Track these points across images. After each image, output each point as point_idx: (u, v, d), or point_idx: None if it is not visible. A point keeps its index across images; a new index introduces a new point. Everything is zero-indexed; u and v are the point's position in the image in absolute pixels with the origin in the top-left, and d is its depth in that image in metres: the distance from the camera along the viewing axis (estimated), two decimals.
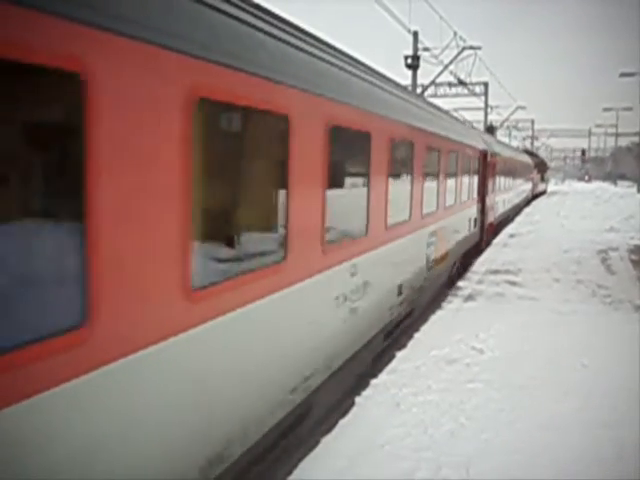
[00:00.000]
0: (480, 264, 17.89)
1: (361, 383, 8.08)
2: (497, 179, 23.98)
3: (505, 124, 64.53)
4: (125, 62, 3.52)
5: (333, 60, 7.06)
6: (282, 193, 5.65)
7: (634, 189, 67.47)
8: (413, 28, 26.93)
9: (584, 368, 8.50)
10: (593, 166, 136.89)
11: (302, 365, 6.22)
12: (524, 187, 40.84)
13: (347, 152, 7.56)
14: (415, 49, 27.25)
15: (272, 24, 5.63)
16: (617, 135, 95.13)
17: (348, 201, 7.59)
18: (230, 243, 4.91)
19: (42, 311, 3.10)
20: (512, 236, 25.12)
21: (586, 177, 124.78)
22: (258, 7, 5.48)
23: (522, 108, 64.22)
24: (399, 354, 9.12)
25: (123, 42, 3.48)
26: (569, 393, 7.57)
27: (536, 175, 54.12)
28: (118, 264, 3.53)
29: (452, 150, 13.85)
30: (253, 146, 5.38)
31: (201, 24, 4.28)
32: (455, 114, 27.35)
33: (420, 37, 27.34)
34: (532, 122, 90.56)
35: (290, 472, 5.66)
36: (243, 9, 5.10)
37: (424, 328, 10.69)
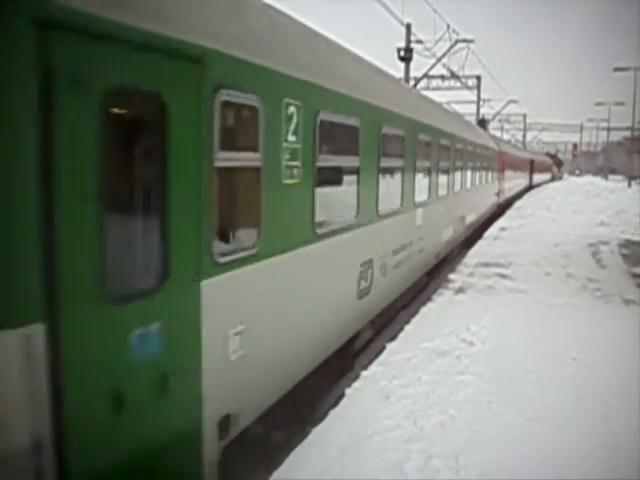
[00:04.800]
0: (471, 257, 17.94)
1: (351, 374, 8.09)
2: (534, 171, 61.66)
3: (497, 117, 64.69)
4: None
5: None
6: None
7: (625, 184, 67.71)
8: (406, 20, 26.89)
9: (574, 361, 8.54)
10: (584, 160, 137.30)
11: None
12: (546, 175, 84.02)
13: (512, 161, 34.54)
14: (408, 41, 27.21)
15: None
16: (609, 130, 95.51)
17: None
18: None
19: None
20: (503, 229, 25.18)
21: (577, 171, 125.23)
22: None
23: (514, 102, 64.36)
24: (389, 346, 9.12)
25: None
26: (559, 386, 7.60)
27: (554, 168, 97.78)
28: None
29: (525, 161, 52.86)
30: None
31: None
32: (447, 107, 27.59)
33: (413, 29, 27.29)
34: (524, 116, 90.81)
35: (282, 460, 5.66)
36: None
37: (415, 320, 10.69)
